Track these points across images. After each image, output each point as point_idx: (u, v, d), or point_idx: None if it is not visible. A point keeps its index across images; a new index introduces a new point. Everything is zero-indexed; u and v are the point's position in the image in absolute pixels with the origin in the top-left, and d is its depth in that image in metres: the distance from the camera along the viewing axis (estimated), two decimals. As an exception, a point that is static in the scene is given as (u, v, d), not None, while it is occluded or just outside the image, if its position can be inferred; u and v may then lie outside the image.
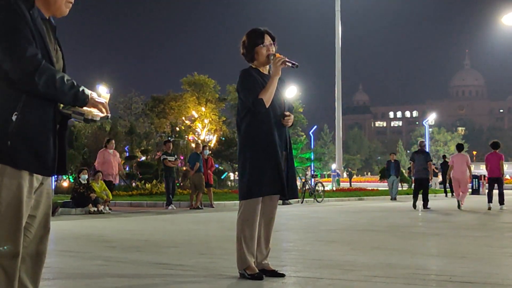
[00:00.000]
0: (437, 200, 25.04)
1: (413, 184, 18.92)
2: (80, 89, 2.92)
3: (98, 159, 17.27)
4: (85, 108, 2.97)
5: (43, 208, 3.03)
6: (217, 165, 33.94)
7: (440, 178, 33.83)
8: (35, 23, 2.85)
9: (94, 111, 3.00)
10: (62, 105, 2.98)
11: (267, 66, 5.27)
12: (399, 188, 36.49)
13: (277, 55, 5.14)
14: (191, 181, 18.62)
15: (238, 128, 5.26)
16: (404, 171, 39.90)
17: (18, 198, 2.81)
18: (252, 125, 5.09)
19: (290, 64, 5.10)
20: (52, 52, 2.94)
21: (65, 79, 2.86)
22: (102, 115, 3.02)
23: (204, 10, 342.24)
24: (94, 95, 3.01)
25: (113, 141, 18.05)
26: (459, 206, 17.17)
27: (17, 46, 2.75)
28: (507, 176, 24.23)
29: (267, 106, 5.03)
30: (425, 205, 17.53)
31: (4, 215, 2.79)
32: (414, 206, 17.52)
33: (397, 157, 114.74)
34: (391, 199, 25.37)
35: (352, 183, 50.96)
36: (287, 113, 5.20)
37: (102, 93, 3.13)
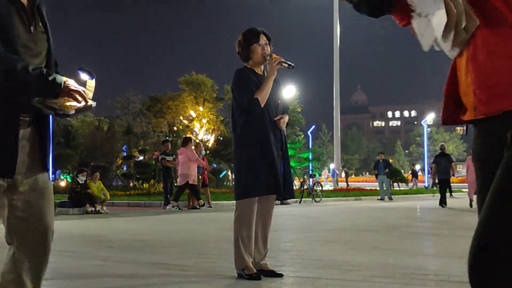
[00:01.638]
0: (435, 200, 25.05)
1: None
2: (50, 78, 2.54)
3: (190, 157, 17.23)
4: (60, 99, 2.61)
5: (37, 208, 2.78)
6: (215, 165, 33.92)
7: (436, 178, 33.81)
8: (8, 13, 2.56)
9: (71, 102, 2.63)
10: (37, 98, 2.65)
11: (262, 67, 5.29)
12: (397, 188, 36.56)
13: (274, 55, 5.16)
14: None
15: (233, 128, 5.27)
16: (402, 170, 39.87)
17: None
18: (248, 125, 5.10)
19: (286, 65, 5.12)
20: (22, 36, 2.63)
21: (30, 68, 2.49)
22: (79, 105, 2.64)
23: (202, 9, 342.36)
24: (70, 82, 2.61)
25: (193, 139, 18.38)
26: (471, 205, 17.93)
27: None
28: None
29: (262, 106, 5.03)
30: (444, 202, 18.89)
31: None
32: (444, 204, 18.81)
33: (396, 156, 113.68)
34: (380, 199, 25.06)
35: (348, 183, 50.96)
36: (278, 117, 5.20)
37: (85, 79, 2.79)
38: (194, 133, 41.78)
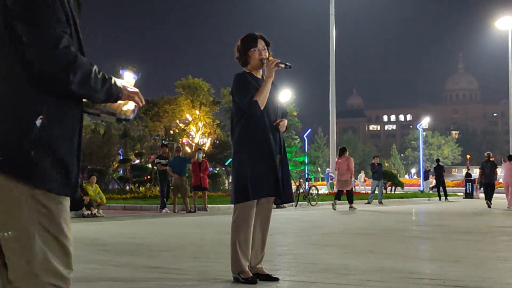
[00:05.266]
0: (431, 204, 25.08)
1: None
2: (112, 81, 2.33)
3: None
4: (119, 102, 2.42)
5: None
6: (211, 168, 33.93)
7: (433, 182, 33.83)
8: (69, 3, 2.29)
9: (126, 105, 2.46)
10: (86, 102, 2.40)
11: (261, 71, 5.30)
12: (393, 192, 36.54)
13: (270, 58, 5.17)
14: (173, 184, 18.51)
15: (232, 131, 5.27)
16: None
17: (50, 218, 2.21)
18: (247, 128, 5.11)
19: (283, 66, 5.13)
20: (81, 37, 2.39)
21: (97, 72, 2.27)
22: (133, 108, 2.48)
23: (199, 13, 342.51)
24: (124, 84, 2.43)
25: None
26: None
27: (50, 33, 2.17)
28: (500, 180, 25.23)
29: (261, 108, 5.05)
30: (489, 204, 20.93)
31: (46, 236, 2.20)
32: (489, 206, 20.79)
33: (391, 160, 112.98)
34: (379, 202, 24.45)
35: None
36: (278, 120, 5.22)
37: (127, 79, 2.59)
38: (190, 136, 41.78)
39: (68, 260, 2.26)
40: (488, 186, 21.61)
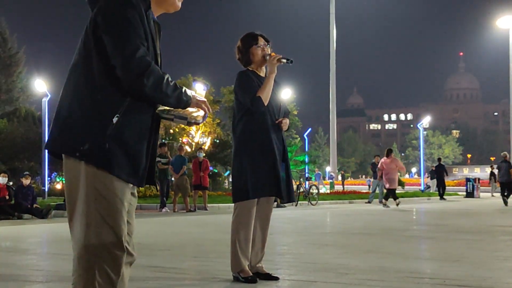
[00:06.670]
0: (431, 203, 25.08)
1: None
2: (183, 90, 2.79)
3: None
4: (189, 109, 2.85)
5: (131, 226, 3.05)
6: (211, 168, 33.92)
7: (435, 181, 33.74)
8: (149, 24, 2.78)
9: (197, 112, 2.89)
10: (162, 109, 2.85)
11: (264, 69, 5.28)
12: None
13: (273, 54, 5.16)
14: (174, 184, 18.54)
15: (233, 130, 5.25)
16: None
17: (113, 200, 2.71)
18: (249, 126, 5.09)
19: (285, 61, 5.11)
20: (159, 56, 2.88)
21: (169, 80, 2.72)
22: (202, 114, 2.90)
23: (198, 13, 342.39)
24: (194, 94, 2.89)
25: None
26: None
27: (131, 45, 2.63)
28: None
29: (265, 104, 5.03)
30: (505, 202, 21.92)
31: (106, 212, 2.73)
32: (505, 203, 21.83)
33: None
34: (381, 202, 24.14)
35: (344, 186, 51.05)
36: (280, 119, 5.21)
37: (198, 90, 2.95)
38: (190, 135, 41.75)
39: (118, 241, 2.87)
40: (504, 185, 22.81)
